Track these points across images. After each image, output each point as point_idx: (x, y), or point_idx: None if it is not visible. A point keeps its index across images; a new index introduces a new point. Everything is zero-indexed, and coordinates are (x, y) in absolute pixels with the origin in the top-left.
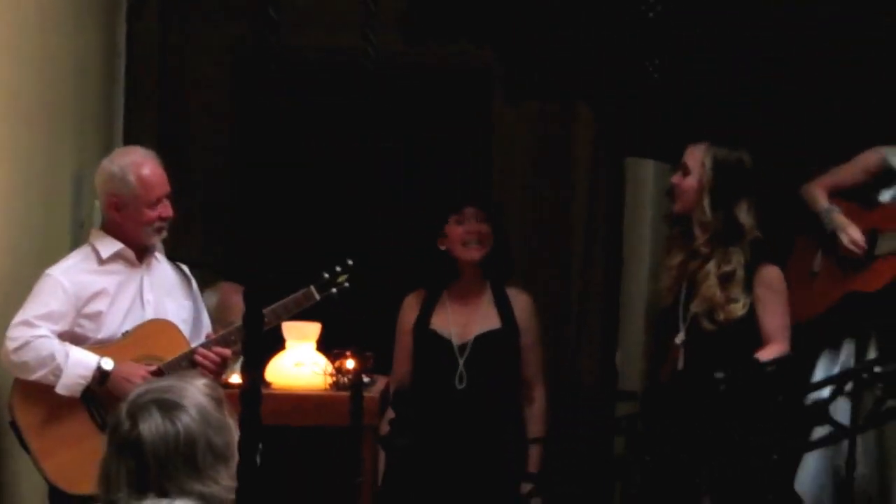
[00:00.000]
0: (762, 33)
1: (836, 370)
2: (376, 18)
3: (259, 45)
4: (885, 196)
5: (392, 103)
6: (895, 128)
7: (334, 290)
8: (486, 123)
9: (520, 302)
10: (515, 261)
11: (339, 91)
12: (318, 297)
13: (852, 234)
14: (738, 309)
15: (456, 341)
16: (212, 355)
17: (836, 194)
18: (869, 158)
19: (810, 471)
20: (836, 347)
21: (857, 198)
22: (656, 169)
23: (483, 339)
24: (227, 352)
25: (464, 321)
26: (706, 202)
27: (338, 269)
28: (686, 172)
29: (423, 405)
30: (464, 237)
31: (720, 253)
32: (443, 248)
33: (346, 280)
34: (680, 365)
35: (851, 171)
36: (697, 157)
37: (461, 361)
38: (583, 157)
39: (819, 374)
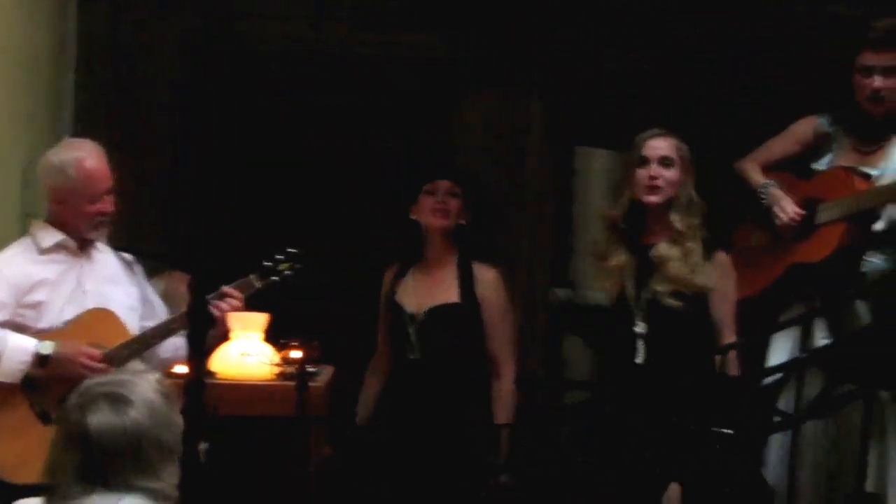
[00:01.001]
0: (703, 22)
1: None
2: (329, 8)
3: (210, 36)
4: (822, 164)
5: (349, 93)
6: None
7: (276, 278)
8: (443, 112)
9: (484, 277)
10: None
11: (292, 80)
12: (258, 285)
13: (786, 206)
14: (702, 278)
15: (409, 311)
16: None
17: (773, 167)
18: (802, 128)
19: (773, 451)
20: (785, 325)
21: (794, 168)
22: (606, 158)
23: (437, 312)
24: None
25: (423, 292)
26: (692, 189)
27: (279, 257)
28: (669, 164)
29: (390, 378)
30: (433, 206)
31: (680, 236)
32: (413, 217)
33: (289, 268)
34: (640, 357)
35: (785, 142)
36: (673, 148)
37: (412, 332)
38: (533, 145)
39: (774, 356)
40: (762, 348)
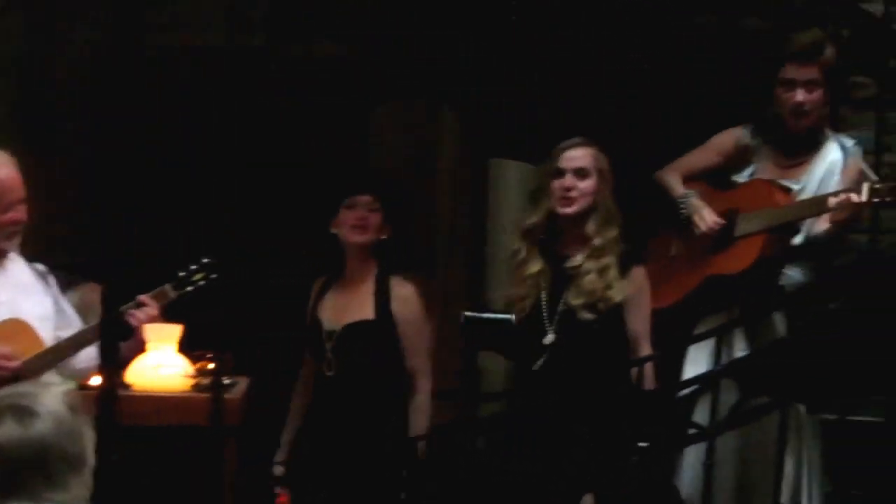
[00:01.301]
0: (617, 36)
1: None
2: (241, 18)
3: (122, 46)
4: (743, 177)
5: (267, 102)
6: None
7: (190, 288)
8: (357, 123)
9: (400, 293)
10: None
11: (207, 90)
12: (172, 295)
13: (707, 216)
14: (617, 294)
15: (327, 327)
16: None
17: (694, 178)
18: (723, 140)
19: (689, 463)
20: (702, 337)
21: (714, 181)
22: (520, 171)
23: (353, 329)
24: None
25: (340, 308)
26: (609, 199)
27: (193, 267)
28: (585, 175)
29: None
30: (352, 222)
31: (596, 250)
32: (333, 231)
33: (203, 279)
34: (543, 367)
35: (706, 154)
36: (589, 159)
37: (328, 348)
38: (448, 157)
39: (690, 367)
40: (679, 360)
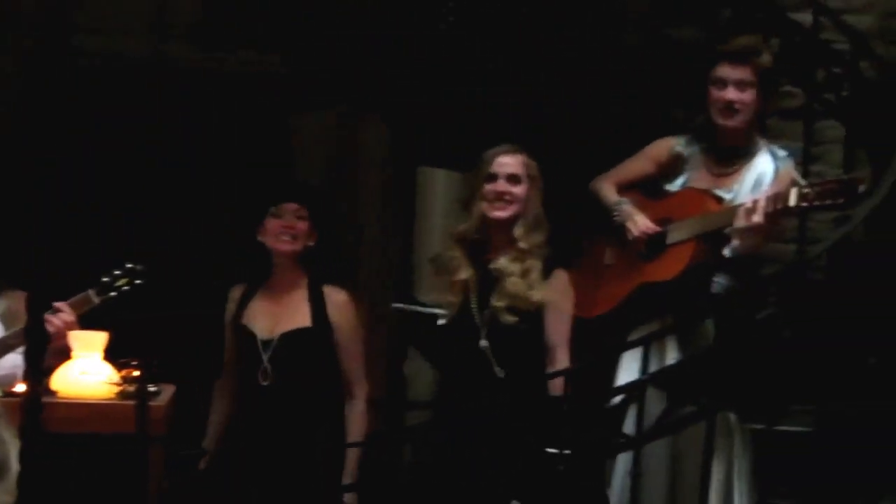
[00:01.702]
0: (549, 44)
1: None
2: (169, 25)
3: (47, 51)
4: (676, 185)
5: (191, 110)
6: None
7: (114, 293)
8: (283, 133)
9: (335, 300)
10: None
11: (133, 97)
12: (96, 300)
13: (639, 221)
14: (537, 295)
15: (261, 336)
16: None
17: (628, 187)
18: (657, 149)
19: (619, 472)
20: (634, 344)
21: (647, 190)
22: (447, 178)
23: (290, 337)
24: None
25: (273, 317)
26: (539, 206)
27: (117, 272)
28: (517, 181)
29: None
30: (279, 230)
31: (521, 253)
32: (260, 239)
33: (127, 284)
34: (498, 371)
35: (639, 163)
36: (521, 165)
37: (265, 358)
38: (375, 165)
39: (623, 375)
40: (611, 368)
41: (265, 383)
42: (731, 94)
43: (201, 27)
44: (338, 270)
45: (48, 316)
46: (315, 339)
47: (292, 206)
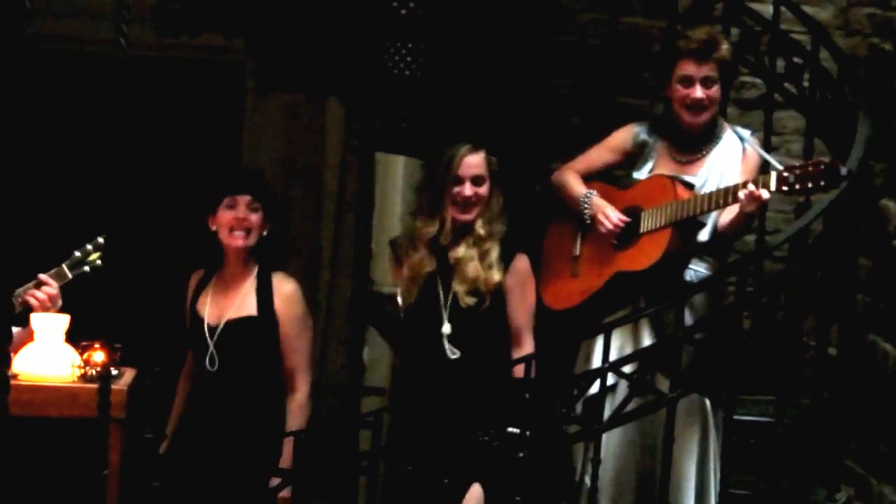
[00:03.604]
0: (501, 29)
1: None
2: (128, 9)
3: (6, 35)
4: (642, 173)
5: (144, 94)
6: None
7: (87, 268)
8: (237, 116)
9: (283, 290)
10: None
11: (90, 81)
12: (70, 275)
13: (610, 214)
14: (496, 275)
15: (209, 322)
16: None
17: (591, 177)
18: (620, 137)
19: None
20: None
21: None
22: (406, 164)
23: (234, 325)
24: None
25: (222, 304)
26: (500, 201)
27: (89, 247)
28: (482, 182)
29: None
30: (231, 224)
31: (479, 239)
32: (213, 228)
33: (99, 258)
34: (450, 355)
35: (603, 151)
36: (484, 165)
37: (211, 344)
38: (333, 151)
39: (597, 361)
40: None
41: (212, 369)
42: (699, 92)
43: (161, 11)
44: (287, 259)
45: (33, 291)
46: (259, 329)
47: (245, 197)
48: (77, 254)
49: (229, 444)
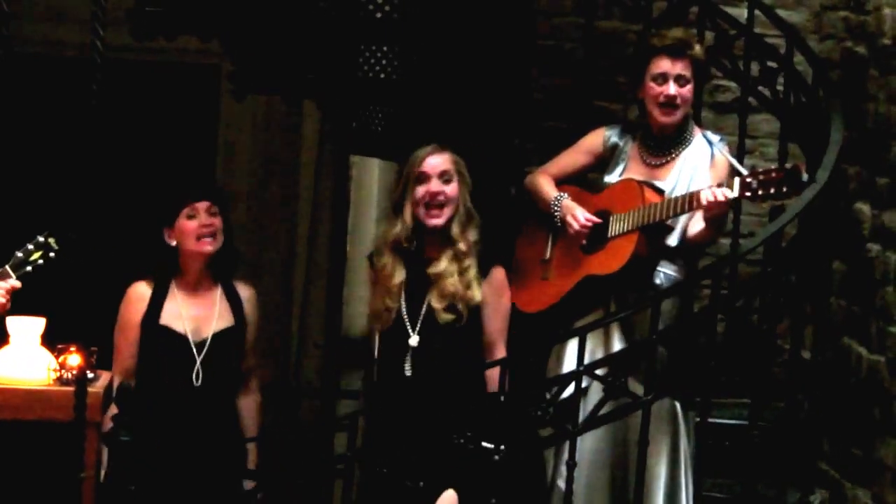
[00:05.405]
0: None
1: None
2: (105, 12)
3: None
4: (613, 177)
5: (120, 97)
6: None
7: (29, 268)
8: (213, 119)
9: (247, 295)
10: (240, 257)
11: (65, 84)
12: (13, 275)
13: (578, 215)
14: (476, 293)
15: (193, 338)
16: None
17: (564, 181)
18: (591, 140)
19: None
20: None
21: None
22: (381, 168)
23: (220, 337)
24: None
25: (199, 318)
26: (468, 201)
27: (30, 246)
28: (449, 180)
29: (155, 402)
30: (198, 231)
31: (458, 254)
32: (172, 242)
33: (42, 257)
34: (408, 370)
35: (575, 155)
36: (450, 164)
37: (199, 359)
38: (308, 154)
39: (568, 365)
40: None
41: (198, 384)
42: (672, 89)
43: (137, 14)
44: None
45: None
46: (239, 338)
47: (206, 204)
48: (19, 254)
49: (215, 454)
